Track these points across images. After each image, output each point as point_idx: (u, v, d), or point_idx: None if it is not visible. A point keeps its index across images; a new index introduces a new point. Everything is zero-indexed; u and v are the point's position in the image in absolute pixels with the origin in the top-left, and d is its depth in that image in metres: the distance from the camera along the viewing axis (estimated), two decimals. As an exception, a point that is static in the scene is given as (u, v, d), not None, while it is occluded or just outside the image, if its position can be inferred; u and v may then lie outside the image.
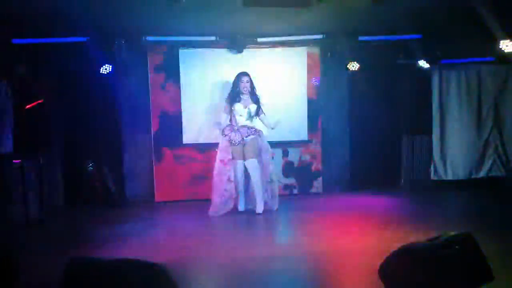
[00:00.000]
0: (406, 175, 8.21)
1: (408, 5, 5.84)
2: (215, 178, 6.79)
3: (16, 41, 6.58)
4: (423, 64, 7.66)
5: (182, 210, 7.13)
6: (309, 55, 7.89)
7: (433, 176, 8.22)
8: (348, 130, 8.28)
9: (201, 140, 7.65)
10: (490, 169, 8.30)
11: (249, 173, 6.73)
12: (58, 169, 7.40)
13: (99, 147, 7.62)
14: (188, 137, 7.70)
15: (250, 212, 6.70)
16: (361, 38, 7.41)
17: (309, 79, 7.90)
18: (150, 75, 7.67)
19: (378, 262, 1.60)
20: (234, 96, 6.79)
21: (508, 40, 6.45)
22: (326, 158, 8.13)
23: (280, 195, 7.17)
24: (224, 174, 6.74)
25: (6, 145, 6.98)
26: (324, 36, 7.51)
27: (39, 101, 6.88)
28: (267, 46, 7.65)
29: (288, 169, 8.04)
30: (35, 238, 5.72)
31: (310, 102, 7.91)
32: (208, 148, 7.50)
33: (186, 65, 7.64)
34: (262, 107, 6.84)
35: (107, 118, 7.62)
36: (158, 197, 7.74)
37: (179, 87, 7.66)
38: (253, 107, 6.77)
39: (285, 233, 6.31)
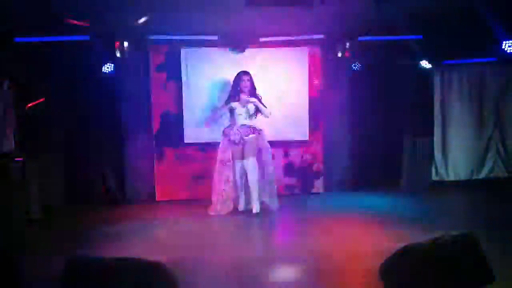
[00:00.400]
0: (407, 175, 8.19)
1: (410, 5, 5.84)
2: (215, 179, 6.83)
3: (17, 39, 6.58)
4: (424, 64, 7.64)
5: (182, 210, 7.12)
6: (310, 55, 7.89)
7: (434, 177, 8.22)
8: (349, 131, 8.27)
9: (202, 139, 7.65)
10: (491, 170, 8.29)
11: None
12: (58, 169, 7.40)
13: (100, 146, 7.62)
14: (189, 136, 7.70)
15: (250, 212, 6.70)
16: (362, 38, 7.41)
17: (310, 79, 7.90)
18: (152, 74, 7.67)
19: (379, 262, 1.60)
20: (234, 95, 6.79)
21: (511, 41, 6.44)
22: (327, 158, 8.12)
23: (281, 195, 7.18)
24: (223, 174, 6.75)
25: (6, 144, 6.99)
26: (326, 36, 7.52)
27: (40, 100, 6.87)
28: (269, 46, 7.65)
29: (289, 169, 8.03)
30: (35, 237, 5.72)
31: (311, 102, 7.91)
32: (209, 148, 7.51)
33: (188, 65, 7.64)
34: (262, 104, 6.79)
35: (108, 117, 7.62)
36: (159, 197, 7.75)
37: (180, 87, 7.66)
38: (251, 106, 6.76)
39: (285, 233, 6.31)
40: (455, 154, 8.23)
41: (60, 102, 7.24)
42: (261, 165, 6.75)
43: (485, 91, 8.19)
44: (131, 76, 7.65)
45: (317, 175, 8.09)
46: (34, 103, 6.85)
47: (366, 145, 8.14)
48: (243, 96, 6.71)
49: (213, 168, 6.91)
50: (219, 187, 6.77)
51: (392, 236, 5.20)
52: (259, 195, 6.69)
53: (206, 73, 7.65)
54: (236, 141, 6.68)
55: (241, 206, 6.88)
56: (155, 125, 7.71)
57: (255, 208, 6.63)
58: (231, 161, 6.76)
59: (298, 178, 8.06)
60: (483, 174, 8.29)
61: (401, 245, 1.58)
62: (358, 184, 8.10)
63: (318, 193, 8.02)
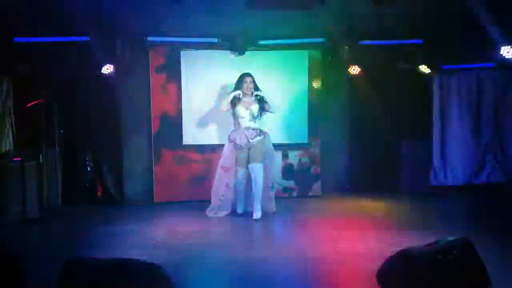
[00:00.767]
0: (405, 180, 8.20)
1: (409, 10, 5.86)
2: (215, 183, 6.80)
3: (17, 39, 6.58)
4: (423, 69, 7.66)
5: (181, 211, 7.12)
6: (310, 58, 7.90)
7: (433, 182, 8.23)
8: (348, 134, 8.28)
9: (201, 141, 7.65)
10: (489, 175, 8.30)
11: (252, 177, 6.60)
12: (57, 168, 7.39)
13: (99, 146, 7.62)
14: (188, 138, 7.70)
15: (249, 214, 6.68)
16: (362, 42, 7.43)
17: (309, 82, 7.91)
18: (151, 76, 7.67)
19: (376, 266, 1.60)
20: (236, 97, 6.72)
21: (509, 47, 6.47)
22: (326, 161, 8.12)
23: (279, 198, 7.16)
24: (223, 180, 6.72)
25: (6, 144, 6.99)
26: (325, 39, 7.54)
27: (40, 100, 6.87)
28: (269, 49, 7.66)
29: (287, 171, 8.03)
30: (34, 237, 5.72)
31: (310, 105, 7.91)
32: (208, 150, 7.50)
33: (187, 67, 7.64)
34: (267, 102, 6.73)
35: (108, 117, 7.62)
36: (157, 198, 7.74)
37: (179, 88, 7.66)
38: (255, 108, 6.69)
39: (283, 235, 6.31)
40: (454, 159, 8.24)
41: (59, 102, 7.23)
42: (264, 168, 6.70)
43: (484, 96, 8.21)
44: (131, 77, 7.64)
45: (315, 178, 8.09)
46: (33, 103, 6.84)
47: (365, 149, 8.16)
48: (245, 99, 6.66)
49: (211, 170, 6.89)
50: (218, 193, 6.76)
51: (389, 241, 5.21)
52: (261, 201, 6.64)
53: (205, 75, 7.64)
54: (243, 145, 6.59)
55: (240, 209, 6.86)
56: (154, 126, 7.70)
57: (256, 214, 6.54)
58: (233, 168, 6.69)
59: (297, 181, 8.06)
60: (481, 179, 8.30)
61: (399, 249, 1.59)
62: (356, 188, 8.11)
63: (316, 196, 8.01)
